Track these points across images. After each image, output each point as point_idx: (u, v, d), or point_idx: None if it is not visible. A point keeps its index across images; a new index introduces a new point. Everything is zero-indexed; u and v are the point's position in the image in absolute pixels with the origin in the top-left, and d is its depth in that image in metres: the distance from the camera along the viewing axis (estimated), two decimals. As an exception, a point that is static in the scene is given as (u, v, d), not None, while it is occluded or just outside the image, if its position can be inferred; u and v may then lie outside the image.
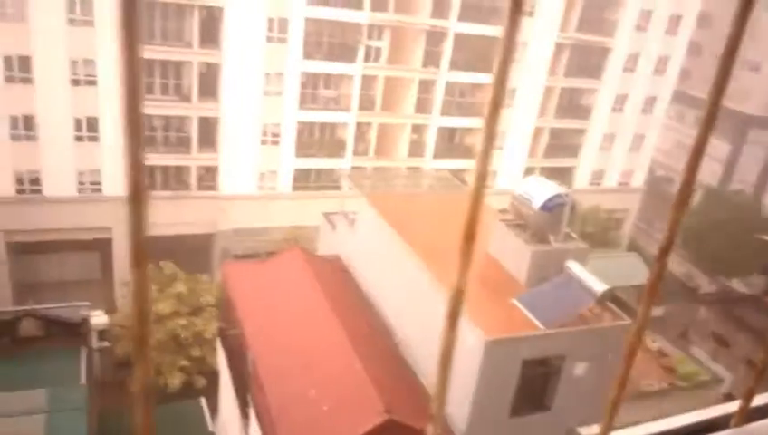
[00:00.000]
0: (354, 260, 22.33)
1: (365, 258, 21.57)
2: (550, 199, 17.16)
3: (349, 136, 39.13)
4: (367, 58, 37.80)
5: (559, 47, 42.24)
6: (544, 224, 17.33)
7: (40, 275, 34.89)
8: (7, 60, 31.28)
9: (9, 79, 31.57)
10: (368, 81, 38.46)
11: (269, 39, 35.31)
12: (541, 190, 17.46)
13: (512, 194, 18.37)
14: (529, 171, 41.45)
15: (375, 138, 39.83)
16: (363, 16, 36.44)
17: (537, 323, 15.61)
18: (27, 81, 31.79)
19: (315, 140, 39.20)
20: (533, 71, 41.65)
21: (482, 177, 0.85)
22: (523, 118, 42.74)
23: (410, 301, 18.45)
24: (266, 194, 38.23)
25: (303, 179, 39.16)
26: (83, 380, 21.06)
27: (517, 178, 35.33)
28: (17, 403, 18.67)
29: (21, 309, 23.67)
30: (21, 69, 31.59)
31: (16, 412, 18.30)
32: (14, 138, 32.63)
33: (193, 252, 34.80)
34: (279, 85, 36.38)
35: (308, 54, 36.31)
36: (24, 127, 32.62)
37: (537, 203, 17.22)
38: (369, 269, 21.26)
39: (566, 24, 41.88)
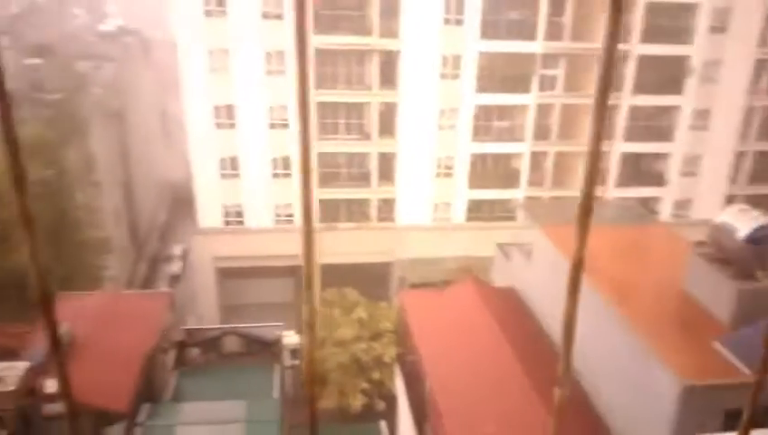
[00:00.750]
0: (530, 292, 22.02)
1: (541, 291, 21.16)
2: (757, 230, 15.48)
3: (523, 166, 38.85)
4: (542, 87, 37.46)
5: (761, 64, 38.46)
6: (751, 258, 15.60)
7: (242, 298, 38.86)
8: (216, 109, 35.85)
9: (219, 125, 36.13)
10: (543, 110, 38.03)
11: (443, 76, 36.51)
12: (745, 220, 15.80)
13: (710, 224, 16.91)
14: (730, 199, 37.92)
15: (551, 167, 39.09)
16: (537, 46, 36.30)
17: (744, 369, 14.04)
18: (232, 126, 36.15)
19: (489, 170, 39.44)
20: (730, 90, 38.29)
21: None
22: (721, 141, 39.32)
23: (592, 337, 17.74)
24: (441, 225, 39.14)
25: (477, 210, 39.48)
26: (276, 394, 23.00)
27: (717, 207, 32.52)
28: (220, 412, 20.91)
29: (225, 327, 26.58)
30: (227, 116, 36.02)
31: (219, 420, 20.52)
32: (223, 176, 37.13)
33: (373, 279, 36.60)
34: (453, 119, 37.35)
35: (481, 87, 36.89)
36: (231, 167, 37.01)
37: (742, 234, 15.61)
38: (545, 302, 20.82)
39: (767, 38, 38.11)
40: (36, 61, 36.84)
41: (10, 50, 37.53)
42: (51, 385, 16.09)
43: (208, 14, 34.17)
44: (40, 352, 17.41)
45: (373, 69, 36.14)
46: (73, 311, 22.10)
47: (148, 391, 21.24)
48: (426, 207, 39.06)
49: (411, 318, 21.83)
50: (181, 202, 48.86)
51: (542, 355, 18.99)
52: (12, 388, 15.81)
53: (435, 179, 38.53)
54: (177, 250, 48.13)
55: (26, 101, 34.31)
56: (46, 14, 46.78)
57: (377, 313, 31.64)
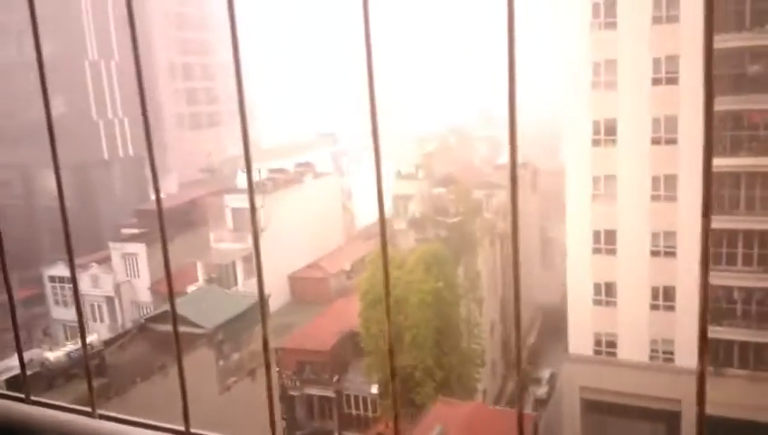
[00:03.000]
0: None
1: None
2: None
3: None
4: None
5: None
6: None
7: (607, 436, 36.31)
8: (596, 233, 35.85)
9: (598, 251, 35.96)
10: None
11: None
12: None
13: None
14: None
15: None
16: None
17: None
18: (611, 252, 35.51)
19: None
20: None
21: None
22: None
23: None
24: None
25: None
26: None
27: None
28: None
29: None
30: (607, 242, 35.63)
31: None
32: (598, 303, 36.38)
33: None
34: None
35: None
36: (606, 293, 36.08)
37: None
38: None
39: None
40: (442, 189, 43.09)
41: (423, 181, 44.84)
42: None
43: (596, 142, 35.25)
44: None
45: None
46: (447, 415, 23.85)
47: None
48: None
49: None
50: (553, 326, 49.24)
51: None
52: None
53: None
54: (545, 374, 48.11)
55: (431, 223, 40.22)
56: (455, 151, 55.15)
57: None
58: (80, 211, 62.50)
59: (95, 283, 45.89)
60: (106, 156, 67.83)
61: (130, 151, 68.62)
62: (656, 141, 33.66)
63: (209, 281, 39.78)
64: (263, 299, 1.50)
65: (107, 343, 27.23)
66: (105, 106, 67.75)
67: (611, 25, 34.14)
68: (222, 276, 42.08)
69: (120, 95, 67.55)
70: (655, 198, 34.08)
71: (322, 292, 43.43)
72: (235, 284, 42.20)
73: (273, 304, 39.13)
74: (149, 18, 69.96)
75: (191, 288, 36.33)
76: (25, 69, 54.48)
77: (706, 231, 1.01)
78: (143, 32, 67.66)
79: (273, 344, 33.73)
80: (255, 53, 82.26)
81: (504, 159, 55.54)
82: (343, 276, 44.44)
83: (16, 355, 2.03)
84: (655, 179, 33.97)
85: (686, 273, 32.34)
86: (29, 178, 64.40)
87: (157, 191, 1.47)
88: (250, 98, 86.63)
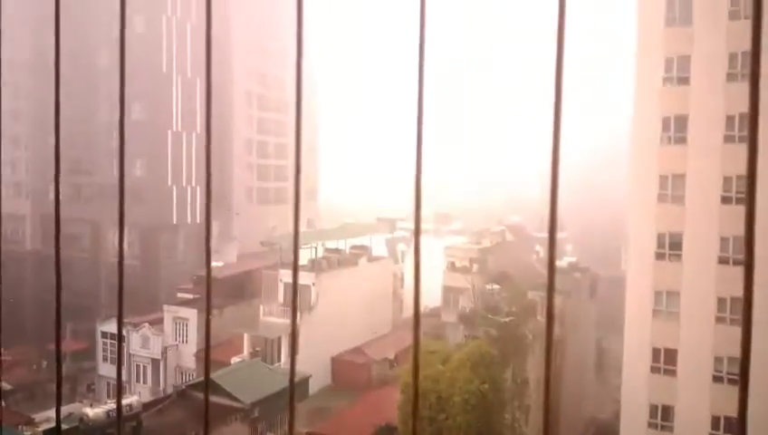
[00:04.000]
0: None
1: None
2: None
3: None
4: None
5: None
6: None
7: None
8: (655, 351, 34.14)
9: (655, 370, 34.16)
10: None
11: None
12: None
13: None
14: None
15: None
16: None
17: None
18: (670, 373, 33.65)
19: None
20: None
21: None
22: None
23: None
24: None
25: None
26: None
27: None
28: None
29: None
30: (667, 362, 33.86)
31: None
32: (651, 426, 34.18)
33: None
34: None
35: None
36: (662, 417, 33.93)
37: None
38: None
39: None
40: (496, 286, 42.36)
41: (477, 275, 44.33)
42: None
43: (660, 256, 34.26)
44: None
45: None
46: None
47: None
48: None
49: None
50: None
51: None
52: None
53: None
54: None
55: (481, 319, 39.34)
56: (513, 249, 54.56)
57: None
58: (143, 272, 64.55)
59: (145, 343, 46.60)
60: (175, 221, 70.62)
61: (198, 219, 71.31)
62: (723, 261, 32.42)
63: (254, 354, 39.76)
64: (292, 387, 1.49)
65: (146, 406, 27.28)
66: (181, 174, 71.24)
67: (681, 140, 33.98)
68: (266, 351, 42.01)
69: (196, 165, 71.08)
70: (720, 319, 32.42)
71: (363, 378, 42.60)
72: (279, 359, 41.99)
73: (313, 386, 38.55)
74: (233, 98, 74.47)
75: (235, 359, 36.34)
76: (115, 131, 58.30)
77: None
78: (225, 109, 71.82)
79: (306, 429, 32.93)
80: (327, 137, 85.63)
81: (566, 262, 54.62)
82: (386, 365, 43.60)
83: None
84: (721, 301, 32.46)
85: (751, 398, 30.20)
86: (99, 234, 67.47)
87: (208, 265, 1.51)
88: (316, 178, 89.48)
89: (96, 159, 67.18)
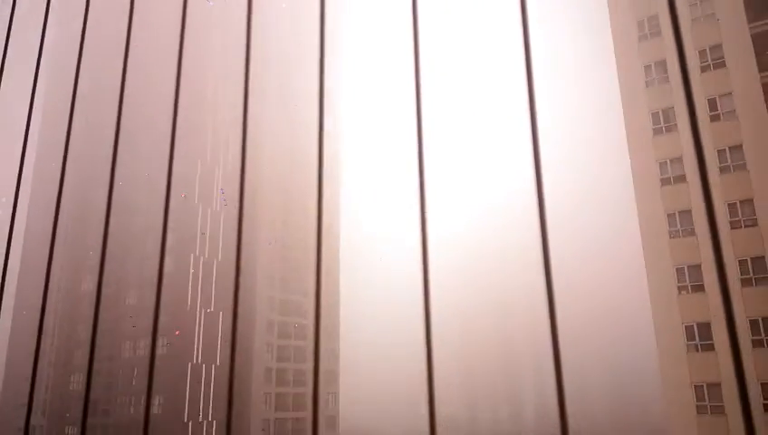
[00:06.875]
0: None
1: None
2: None
3: None
4: None
5: None
6: None
7: None
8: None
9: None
10: None
11: None
12: None
13: None
14: None
15: None
16: None
17: None
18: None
19: None
20: None
21: None
22: None
23: None
24: None
25: None
26: None
27: None
28: None
29: None
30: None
31: None
32: None
33: None
34: None
35: None
36: None
37: None
38: None
39: None
40: None
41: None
42: None
43: (691, 348, 32.68)
44: None
45: None
46: None
47: None
48: None
49: None
50: None
51: None
52: None
53: None
54: None
55: None
56: None
57: None
58: None
59: None
60: (189, 459, 66.82)
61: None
62: (757, 344, 30.84)
63: None
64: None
65: None
66: (197, 408, 69.11)
67: (689, 232, 34.16)
68: None
69: (213, 398, 69.24)
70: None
71: None
72: None
73: None
74: (256, 281, 75.33)
75: None
76: (136, 368, 57.79)
77: None
78: (249, 295, 71.88)
79: None
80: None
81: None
82: None
83: None
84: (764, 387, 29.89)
85: None
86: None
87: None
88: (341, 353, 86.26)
89: (114, 397, 65.97)
